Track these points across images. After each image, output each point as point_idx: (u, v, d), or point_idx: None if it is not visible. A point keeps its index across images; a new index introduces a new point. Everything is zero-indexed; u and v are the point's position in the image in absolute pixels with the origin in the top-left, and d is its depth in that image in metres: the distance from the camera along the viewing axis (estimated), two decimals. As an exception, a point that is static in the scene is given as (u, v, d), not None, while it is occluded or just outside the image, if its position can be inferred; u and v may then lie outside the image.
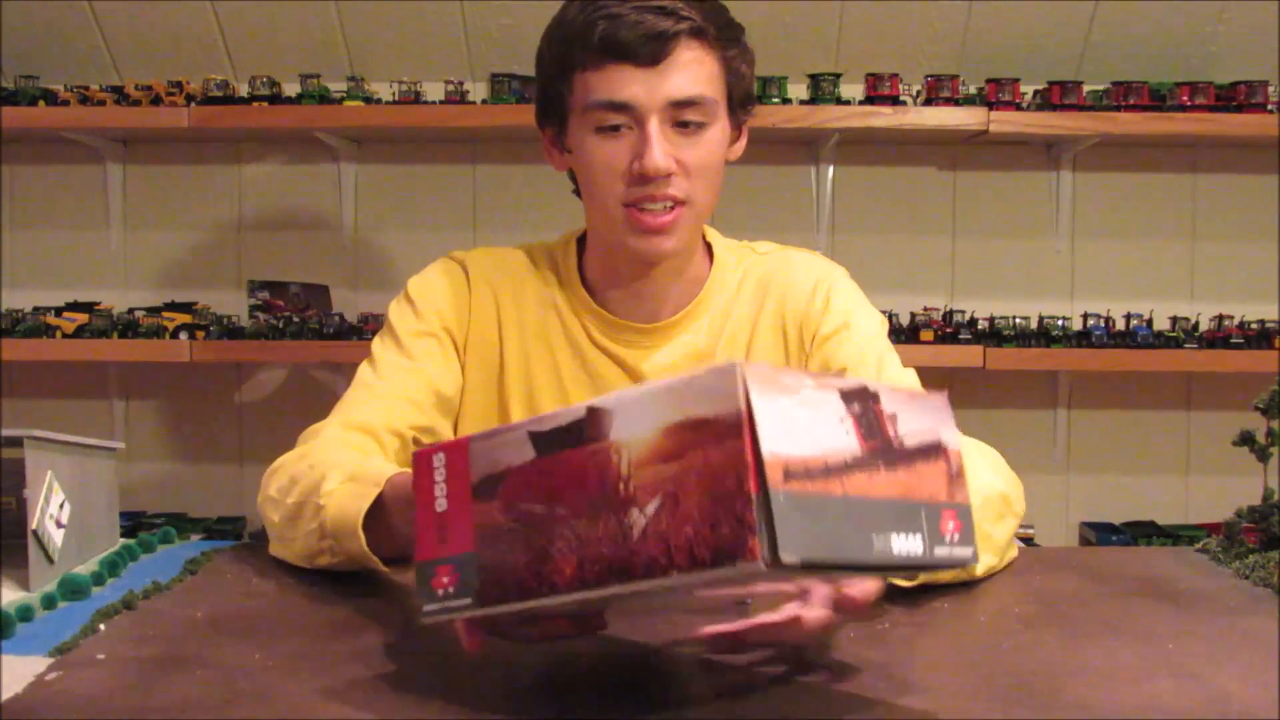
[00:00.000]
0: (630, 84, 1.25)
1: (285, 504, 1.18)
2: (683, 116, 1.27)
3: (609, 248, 1.38)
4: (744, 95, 1.35)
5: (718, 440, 0.68)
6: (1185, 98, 2.49)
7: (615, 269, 1.39)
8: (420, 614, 0.80)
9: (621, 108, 1.26)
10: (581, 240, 1.45)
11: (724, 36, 1.30)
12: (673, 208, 1.29)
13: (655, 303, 1.40)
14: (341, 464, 1.16)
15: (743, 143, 1.39)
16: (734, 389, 0.68)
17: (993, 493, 1.16)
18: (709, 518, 0.68)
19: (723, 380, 0.68)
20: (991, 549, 1.13)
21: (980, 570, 1.12)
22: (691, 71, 1.27)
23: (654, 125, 1.26)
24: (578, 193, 1.39)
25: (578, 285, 1.42)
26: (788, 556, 0.66)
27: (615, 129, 1.28)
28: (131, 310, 2.60)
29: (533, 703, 0.83)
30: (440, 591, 0.79)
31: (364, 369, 1.39)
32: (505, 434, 0.78)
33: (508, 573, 0.76)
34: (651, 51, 1.25)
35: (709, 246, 1.45)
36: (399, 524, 1.07)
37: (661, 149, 1.26)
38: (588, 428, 0.74)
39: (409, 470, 1.12)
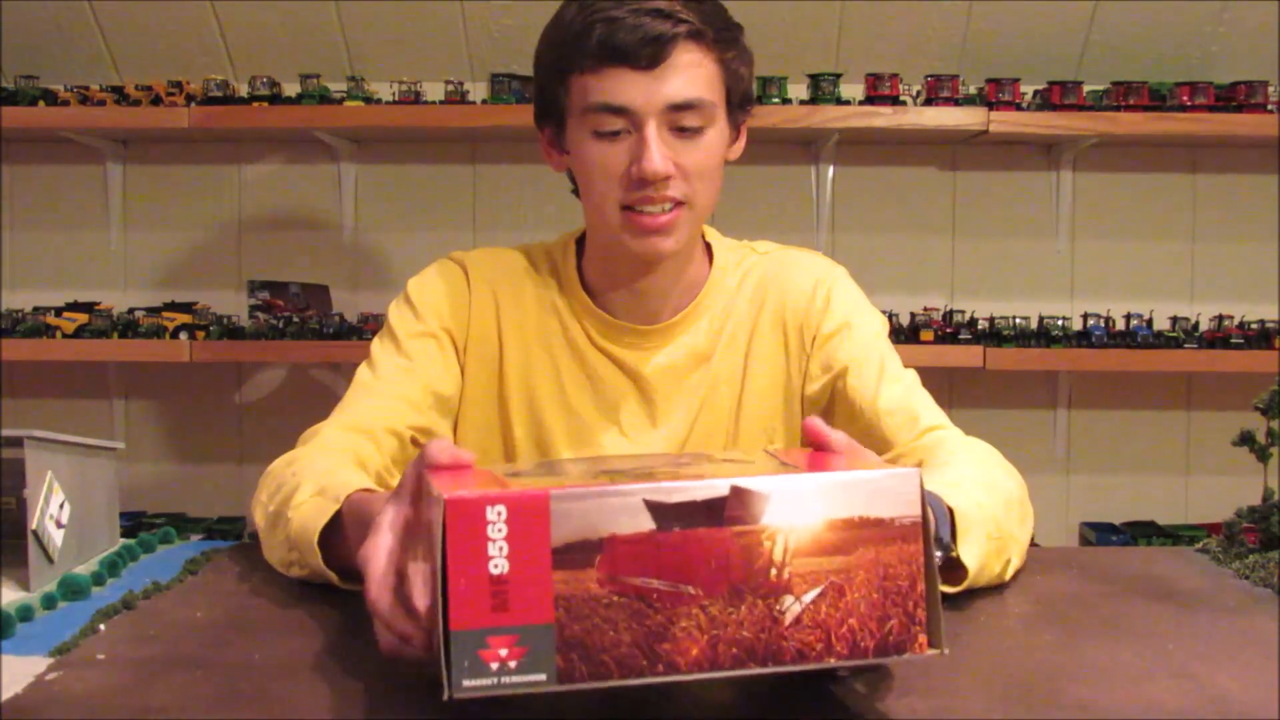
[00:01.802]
0: (628, 88, 1.25)
1: (268, 511, 1.17)
2: (681, 121, 1.27)
3: (607, 249, 1.38)
4: (743, 96, 1.35)
5: (894, 541, 0.74)
6: (1185, 98, 2.49)
7: (614, 270, 1.39)
8: (452, 687, 0.69)
9: (619, 111, 1.26)
10: (581, 241, 1.45)
11: (722, 38, 1.30)
12: (671, 209, 1.29)
13: (655, 304, 1.40)
14: (317, 474, 1.15)
15: (741, 143, 1.39)
16: (916, 495, 0.75)
17: (1013, 496, 1.18)
18: (877, 611, 0.74)
19: (906, 485, 0.75)
20: (1018, 551, 1.14)
21: (1010, 574, 1.14)
22: (690, 75, 1.26)
23: (652, 129, 1.26)
24: (576, 193, 1.39)
25: (577, 287, 1.42)
26: (946, 649, 0.75)
27: (614, 133, 1.27)
28: (131, 310, 2.60)
29: (533, 703, 0.83)
30: (494, 665, 0.70)
31: (363, 370, 1.39)
32: (607, 496, 0.71)
33: (605, 650, 0.71)
34: (649, 55, 1.24)
35: (709, 247, 1.45)
36: (352, 544, 1.04)
37: (660, 153, 1.26)
38: (731, 507, 0.73)
39: (374, 490, 1.10)
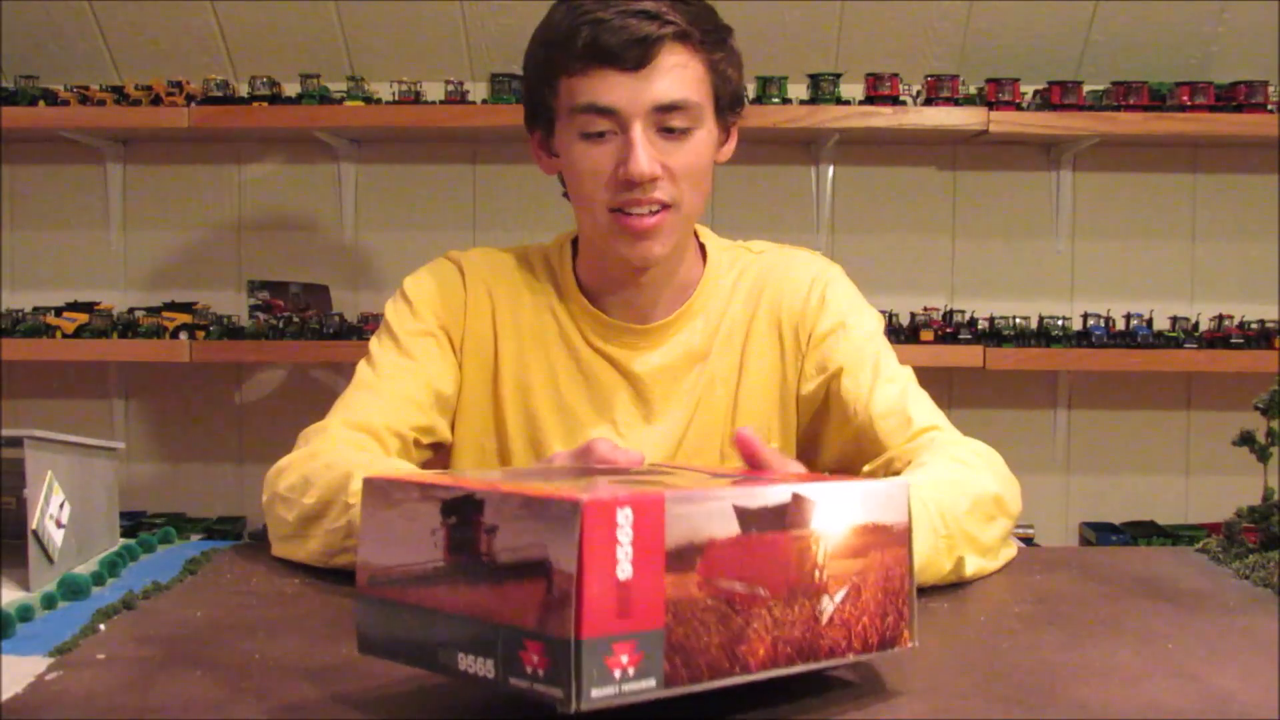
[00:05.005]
0: (614, 89, 1.25)
1: (303, 503, 1.17)
2: (668, 122, 1.27)
3: (598, 251, 1.38)
4: (732, 98, 1.34)
5: (893, 544, 0.82)
6: (1185, 98, 2.49)
7: (607, 272, 1.39)
8: (581, 698, 0.66)
9: (606, 112, 1.26)
10: (576, 242, 1.45)
11: (710, 40, 1.30)
12: (658, 211, 1.29)
13: (649, 304, 1.40)
14: (364, 464, 1.16)
15: (731, 144, 1.39)
16: (906, 503, 0.83)
17: (985, 495, 1.17)
18: (881, 609, 0.81)
19: (900, 493, 0.83)
20: (977, 550, 1.14)
21: (969, 572, 1.13)
22: (676, 76, 1.27)
23: (638, 130, 1.26)
24: (568, 196, 1.39)
25: (572, 287, 1.42)
26: (917, 641, 0.83)
27: (601, 135, 1.27)
28: (131, 310, 2.60)
29: (534, 703, 0.83)
30: (616, 673, 0.68)
31: (363, 368, 1.39)
32: (706, 501, 0.72)
33: (700, 653, 0.71)
34: (636, 56, 1.24)
35: (702, 247, 1.45)
36: None
37: (646, 154, 1.26)
38: (791, 512, 0.76)
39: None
